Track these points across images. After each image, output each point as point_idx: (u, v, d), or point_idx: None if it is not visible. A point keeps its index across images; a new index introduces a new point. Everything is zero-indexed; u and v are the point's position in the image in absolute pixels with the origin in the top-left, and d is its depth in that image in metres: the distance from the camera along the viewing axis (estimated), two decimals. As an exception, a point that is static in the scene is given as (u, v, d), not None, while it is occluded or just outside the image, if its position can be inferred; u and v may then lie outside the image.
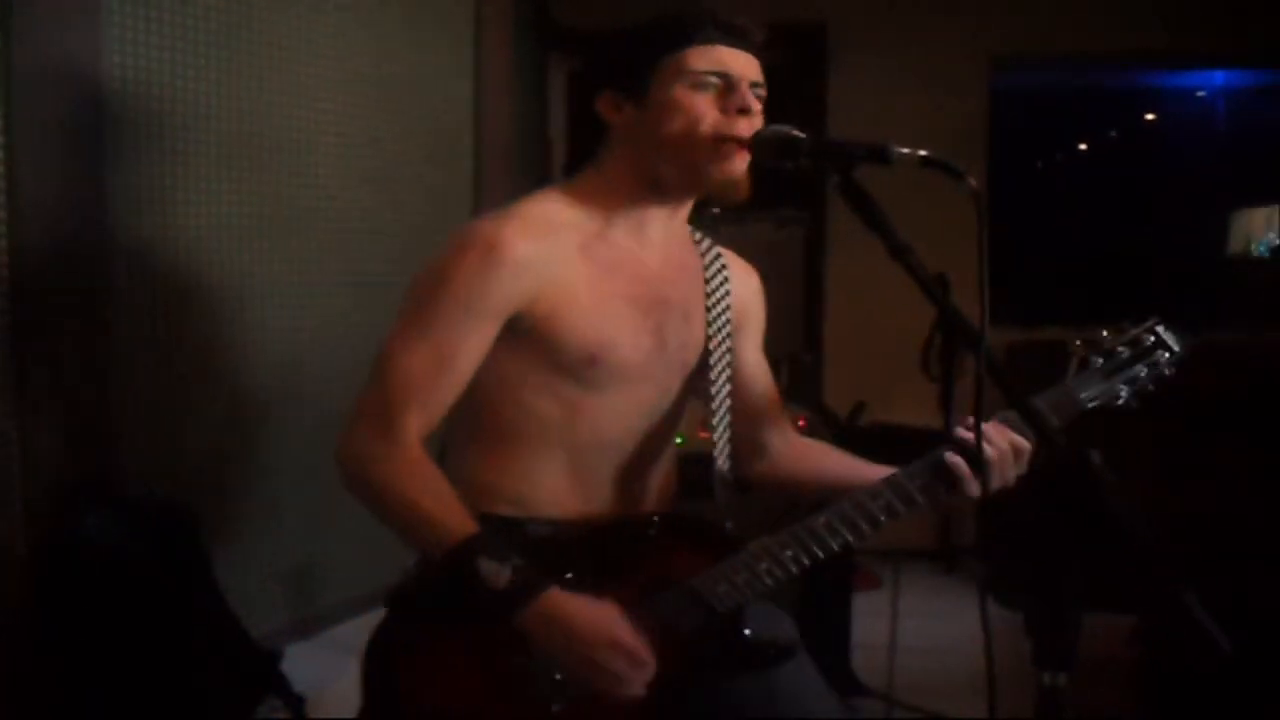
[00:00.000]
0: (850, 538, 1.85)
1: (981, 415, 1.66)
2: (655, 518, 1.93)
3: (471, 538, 1.75)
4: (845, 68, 5.39)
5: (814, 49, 5.31)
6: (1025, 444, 1.87)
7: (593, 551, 1.87)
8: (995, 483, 1.84)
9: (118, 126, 2.79)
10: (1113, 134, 7.60)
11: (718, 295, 2.03)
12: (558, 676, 1.78)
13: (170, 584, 2.64)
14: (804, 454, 2.17)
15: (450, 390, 1.83)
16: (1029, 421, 1.63)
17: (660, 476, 2.03)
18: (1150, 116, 7.44)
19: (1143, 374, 1.95)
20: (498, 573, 1.72)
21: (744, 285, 2.11)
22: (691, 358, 1.99)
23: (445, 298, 1.81)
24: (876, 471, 1.95)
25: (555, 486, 1.92)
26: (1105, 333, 1.97)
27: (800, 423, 4.49)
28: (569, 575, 1.81)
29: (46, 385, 2.58)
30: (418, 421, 1.81)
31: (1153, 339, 1.97)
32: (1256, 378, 4.25)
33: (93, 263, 2.72)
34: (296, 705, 2.81)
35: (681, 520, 1.93)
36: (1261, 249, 6.61)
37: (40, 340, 2.55)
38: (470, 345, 1.82)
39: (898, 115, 5.15)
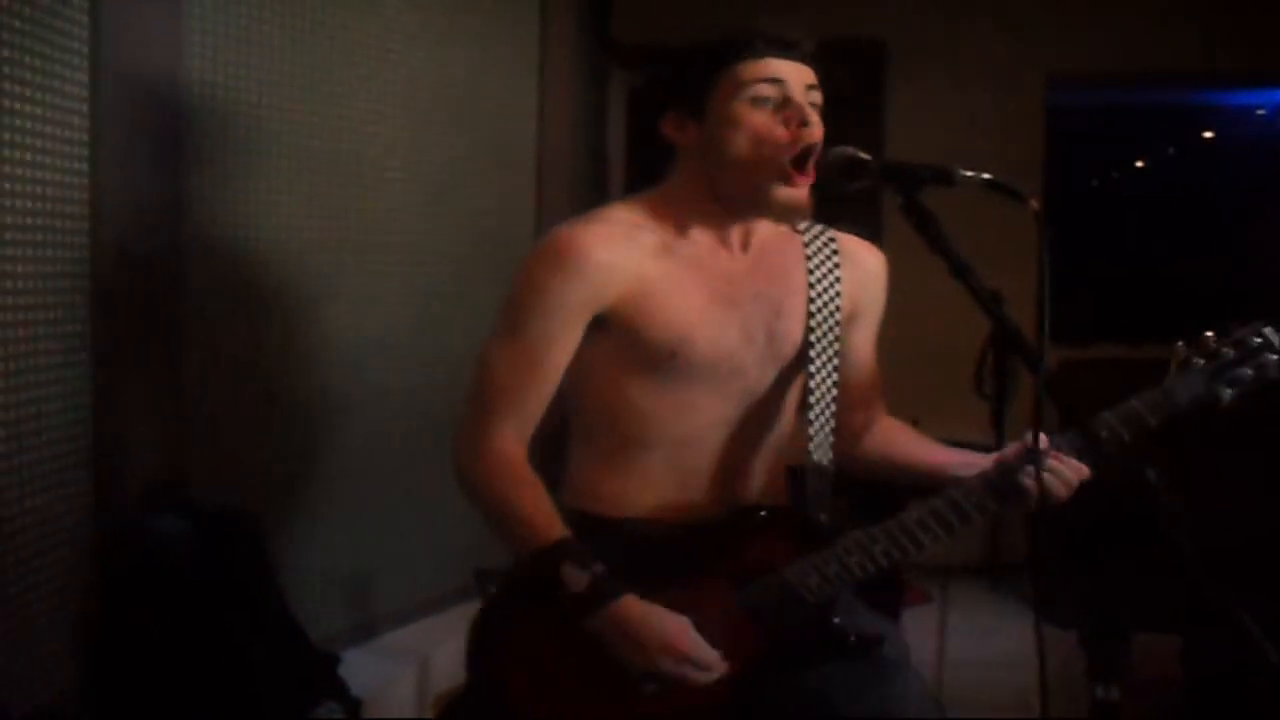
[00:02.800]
0: (942, 534, 1.86)
1: (1039, 434, 1.67)
2: (752, 512, 1.96)
3: (557, 543, 1.82)
4: (904, 85, 5.38)
5: (874, 66, 5.31)
6: (1083, 469, 1.87)
7: (686, 548, 1.91)
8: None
9: (197, 135, 2.85)
10: (1170, 151, 7.54)
11: (823, 287, 2.03)
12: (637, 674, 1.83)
13: (233, 587, 2.67)
14: (894, 438, 2.17)
15: (542, 391, 1.91)
16: (1089, 441, 1.64)
17: (764, 468, 2.05)
18: (1208, 135, 7.38)
19: (1248, 375, 1.92)
20: (577, 578, 1.79)
21: (860, 271, 2.10)
22: (789, 351, 2.00)
23: (531, 303, 1.89)
24: (963, 458, 1.98)
25: (656, 484, 1.97)
26: (1210, 334, 1.94)
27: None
28: (656, 577, 1.85)
29: (124, 389, 2.63)
30: (513, 423, 1.90)
31: (1259, 340, 1.93)
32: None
33: (170, 269, 2.78)
34: (353, 708, 2.85)
35: (776, 513, 1.97)
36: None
37: (118, 345, 2.60)
38: (558, 347, 1.90)
39: (955, 132, 5.13)
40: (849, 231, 2.13)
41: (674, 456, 1.97)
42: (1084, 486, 1.87)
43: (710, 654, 1.81)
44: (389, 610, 3.57)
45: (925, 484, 1.96)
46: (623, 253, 1.90)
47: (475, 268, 3.82)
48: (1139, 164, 7.60)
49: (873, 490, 2.13)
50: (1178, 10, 5.28)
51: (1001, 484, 1.86)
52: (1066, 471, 1.85)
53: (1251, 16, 5.23)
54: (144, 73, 2.66)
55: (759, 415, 2.02)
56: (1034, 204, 1.56)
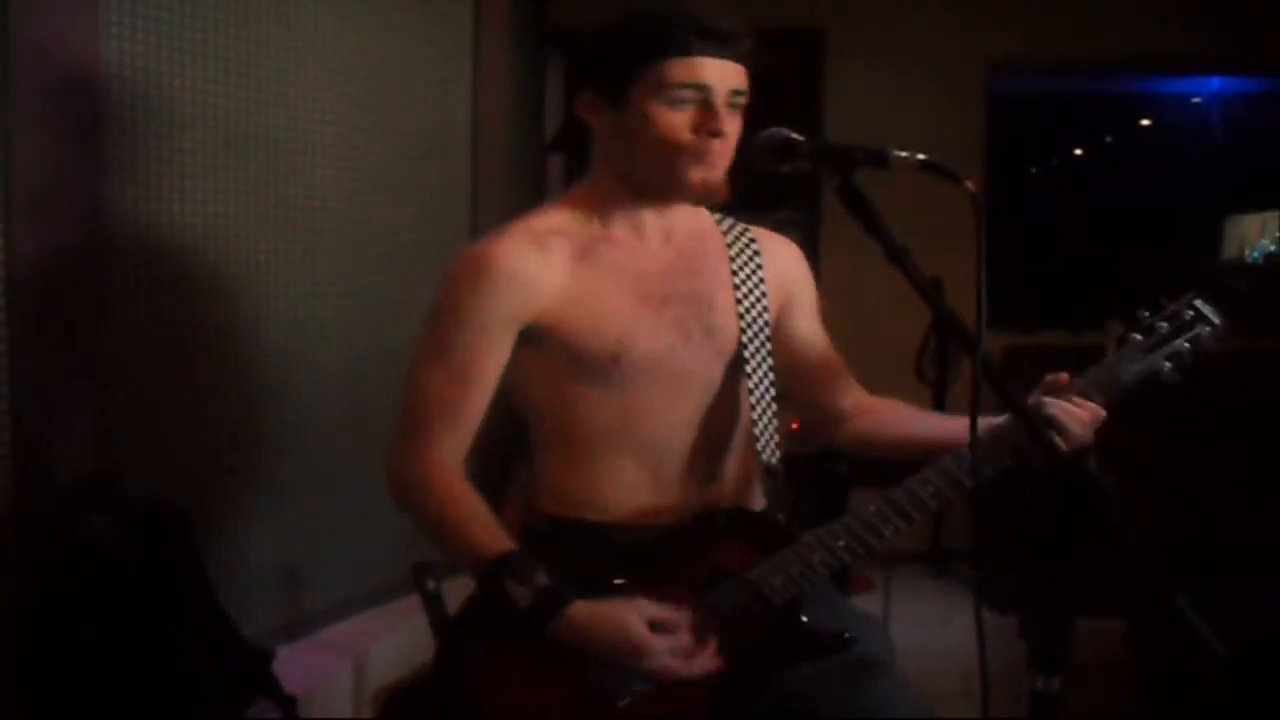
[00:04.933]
0: (902, 525, 1.85)
1: (977, 419, 1.65)
2: (712, 515, 1.94)
3: (498, 558, 1.80)
4: (843, 72, 5.39)
5: (812, 53, 5.31)
6: (1100, 412, 1.87)
7: (651, 553, 1.90)
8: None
9: (116, 118, 2.78)
10: (1108, 139, 7.61)
11: (747, 277, 2.03)
12: (617, 673, 1.81)
13: (163, 584, 2.63)
14: (878, 416, 2.15)
15: (475, 405, 1.90)
16: (1026, 427, 1.63)
17: (735, 467, 2.04)
18: (1146, 122, 7.46)
19: (1184, 348, 1.94)
20: (521, 593, 1.76)
21: (781, 259, 2.11)
22: (729, 346, 2.00)
23: (454, 321, 1.89)
24: (953, 426, 1.96)
25: (626, 487, 1.96)
26: (1143, 311, 1.96)
27: (794, 425, 4.50)
28: (624, 584, 1.84)
29: (44, 380, 2.57)
30: (447, 440, 1.89)
31: (1192, 313, 1.96)
32: (1250, 384, 4.26)
33: (89, 259, 2.71)
34: (288, 706, 2.81)
35: (736, 514, 1.96)
36: (1255, 255, 6.62)
37: (36, 339, 2.54)
38: (485, 360, 1.89)
39: (895, 120, 5.16)
40: (789, 215, 2.12)
41: (640, 460, 1.96)
42: (1025, 473, 1.86)
43: (681, 639, 1.79)
44: (324, 605, 3.52)
45: (926, 459, 1.91)
46: (541, 264, 1.88)
47: (409, 254, 3.78)
48: (1078, 151, 7.66)
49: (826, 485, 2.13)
50: (1116, -2, 5.32)
51: (1010, 440, 1.84)
52: (1084, 414, 1.85)
53: (1188, 5, 5.28)
54: (59, 52, 2.59)
55: (718, 414, 2.01)
56: (970, 185, 1.53)
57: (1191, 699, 2.87)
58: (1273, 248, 6.54)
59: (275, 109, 3.26)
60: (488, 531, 1.83)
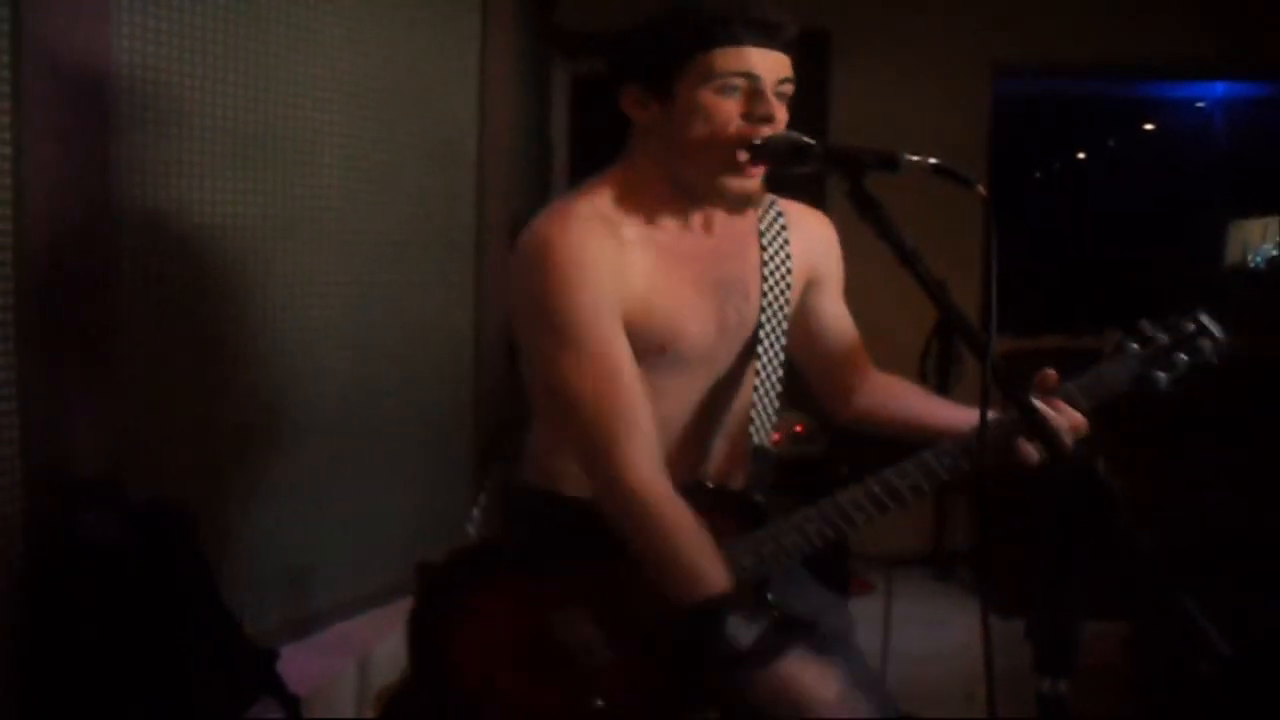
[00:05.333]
0: (875, 513, 1.85)
1: (986, 419, 1.65)
2: (694, 492, 1.90)
3: (725, 594, 1.75)
4: (848, 74, 5.39)
5: (817, 55, 5.31)
6: (1076, 415, 1.88)
7: None
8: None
9: (127, 118, 2.78)
10: (1111, 143, 7.61)
11: (775, 265, 2.02)
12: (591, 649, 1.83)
13: (167, 583, 2.63)
14: (888, 395, 2.16)
15: (636, 390, 1.82)
16: (1033, 427, 1.64)
17: (725, 449, 2.03)
18: (1149, 126, 7.46)
19: (1182, 360, 1.94)
20: (744, 632, 1.73)
21: (810, 237, 2.09)
22: (749, 331, 2.00)
23: (574, 307, 1.81)
24: (956, 414, 1.98)
25: None
26: (1145, 321, 1.97)
27: (798, 428, 4.50)
28: (602, 556, 1.83)
29: (48, 383, 2.57)
30: (638, 443, 1.80)
31: (1194, 326, 1.97)
32: (1254, 388, 4.26)
33: (97, 258, 2.72)
34: (291, 706, 2.81)
35: (716, 492, 1.97)
36: (1258, 260, 6.63)
37: (44, 338, 2.55)
38: (620, 346, 1.83)
39: (900, 122, 5.15)
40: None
41: None
42: (1027, 475, 1.87)
43: None
44: (327, 605, 3.52)
45: (926, 441, 1.91)
46: (611, 248, 1.85)
47: (415, 255, 3.78)
48: (1081, 155, 7.66)
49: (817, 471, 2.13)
50: (1120, 2, 5.32)
51: (954, 451, 1.86)
52: (1063, 421, 1.86)
53: (1192, 10, 5.28)
54: (71, 52, 2.59)
55: (721, 395, 2.01)
56: (981, 189, 1.54)
57: (1191, 702, 2.87)
58: (1275, 252, 6.54)
59: (283, 111, 3.26)
60: (714, 564, 1.77)
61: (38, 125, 2.48)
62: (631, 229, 1.90)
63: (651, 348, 1.88)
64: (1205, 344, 1.96)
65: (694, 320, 1.91)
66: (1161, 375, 1.94)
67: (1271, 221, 6.59)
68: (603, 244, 1.84)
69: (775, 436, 2.05)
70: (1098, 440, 1.88)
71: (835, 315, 2.16)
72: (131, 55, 2.78)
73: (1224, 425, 4.19)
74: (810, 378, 2.19)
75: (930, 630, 4.27)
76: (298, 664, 3.01)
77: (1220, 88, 6.90)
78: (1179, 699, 3.06)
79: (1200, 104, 7.24)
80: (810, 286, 2.10)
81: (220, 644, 2.77)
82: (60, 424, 2.61)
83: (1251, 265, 6.65)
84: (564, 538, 1.88)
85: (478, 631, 1.87)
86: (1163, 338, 1.95)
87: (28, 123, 2.46)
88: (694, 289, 1.92)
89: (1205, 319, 1.97)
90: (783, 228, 2.05)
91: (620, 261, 1.85)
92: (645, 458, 1.79)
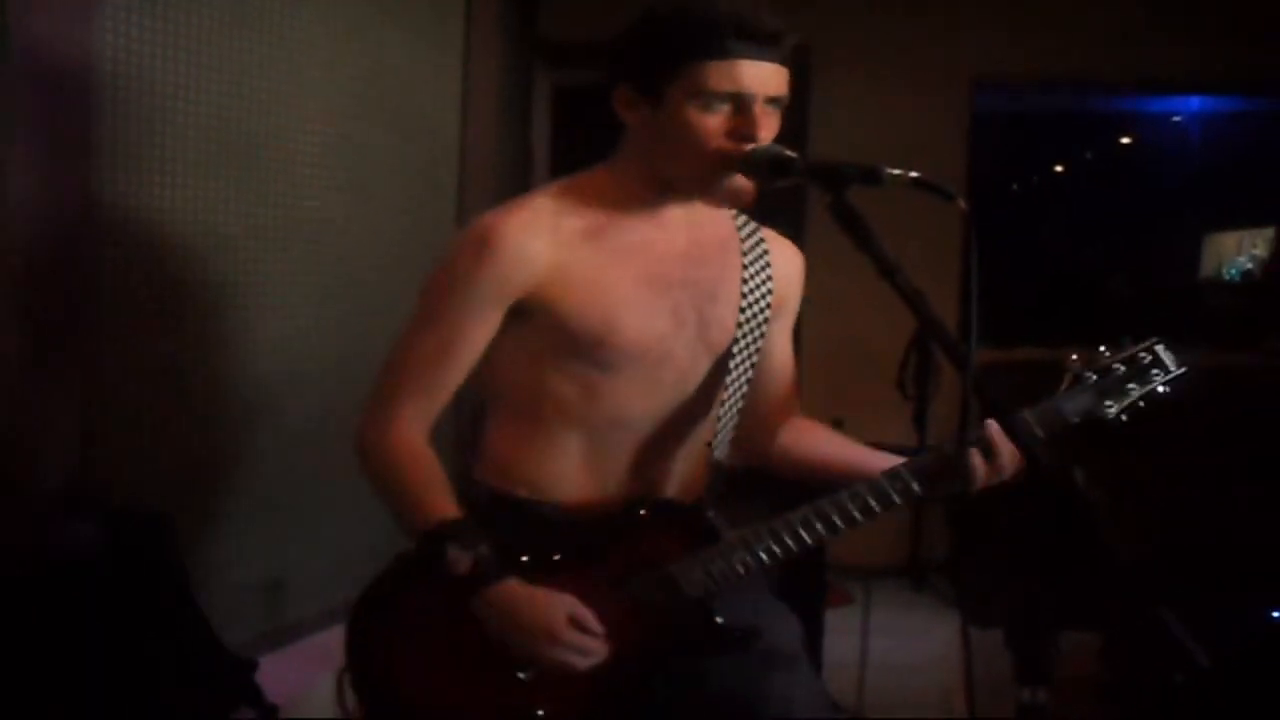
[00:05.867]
0: (824, 533, 1.87)
1: (967, 431, 1.67)
2: (645, 504, 1.95)
3: (444, 522, 1.83)
4: (828, 88, 5.41)
5: (797, 69, 5.32)
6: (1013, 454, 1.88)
7: (584, 535, 1.92)
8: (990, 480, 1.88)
9: (109, 124, 2.77)
10: (1088, 157, 7.66)
11: (754, 276, 2.02)
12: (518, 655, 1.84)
13: (144, 592, 2.62)
14: (809, 436, 2.16)
15: (451, 377, 1.91)
16: (1015, 437, 1.65)
17: (687, 462, 2.03)
18: (1126, 140, 7.51)
19: (1134, 391, 1.96)
20: (460, 559, 1.79)
21: (788, 265, 2.10)
22: (721, 339, 1.99)
23: (448, 290, 1.89)
24: (881, 461, 1.98)
25: (572, 469, 1.96)
26: (1104, 349, 1.98)
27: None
28: (547, 562, 1.87)
29: (31, 386, 2.56)
30: (418, 406, 1.92)
31: (1150, 358, 1.97)
32: (1226, 400, 4.29)
33: (75, 264, 2.70)
34: (269, 715, 2.80)
35: (668, 506, 1.97)
36: (1233, 272, 6.67)
37: (25, 340, 2.53)
38: (472, 333, 1.89)
39: (879, 136, 5.18)
40: (773, 229, 2.12)
41: (595, 442, 1.96)
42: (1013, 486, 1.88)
43: (589, 641, 1.82)
44: (306, 614, 3.51)
45: (841, 484, 1.93)
46: (543, 240, 1.87)
47: (397, 264, 3.77)
48: (1059, 168, 7.71)
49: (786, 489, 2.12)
50: (1099, 17, 5.36)
51: (908, 474, 1.88)
52: (1005, 455, 1.88)
53: (1171, 25, 5.32)
54: (54, 54, 2.58)
55: (688, 406, 2.00)
56: (961, 203, 1.54)
57: (1169, 711, 2.89)
58: (1249, 265, 6.58)
59: (266, 117, 3.26)
60: (440, 497, 1.87)
61: (19, 127, 2.47)
62: (586, 223, 1.90)
63: (590, 339, 1.88)
64: (1157, 377, 1.97)
65: (634, 315, 1.89)
66: (1111, 408, 1.95)
67: (1247, 235, 6.63)
68: (532, 233, 1.86)
69: None
70: (1074, 450, 1.90)
71: (786, 349, 2.16)
72: (115, 59, 2.77)
73: (1197, 435, 4.22)
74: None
75: (908, 641, 4.28)
76: (276, 674, 2.99)
77: (1195, 103, 6.95)
78: (1151, 710, 3.08)
79: (1176, 119, 7.29)
80: (775, 314, 2.08)
81: (198, 654, 2.76)
82: (34, 431, 2.59)
83: (1226, 278, 6.70)
84: (511, 542, 1.87)
85: (415, 640, 1.89)
86: (1119, 369, 1.96)
87: (9, 124, 2.45)
88: (638, 282, 1.91)
89: (1161, 351, 1.98)
90: (765, 253, 2.05)
91: (552, 254, 1.86)
92: (415, 416, 1.91)
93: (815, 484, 1.99)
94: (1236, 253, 6.68)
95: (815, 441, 2.15)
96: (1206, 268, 6.84)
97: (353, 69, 3.57)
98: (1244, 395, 4.40)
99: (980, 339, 1.56)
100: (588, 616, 1.83)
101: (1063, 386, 1.95)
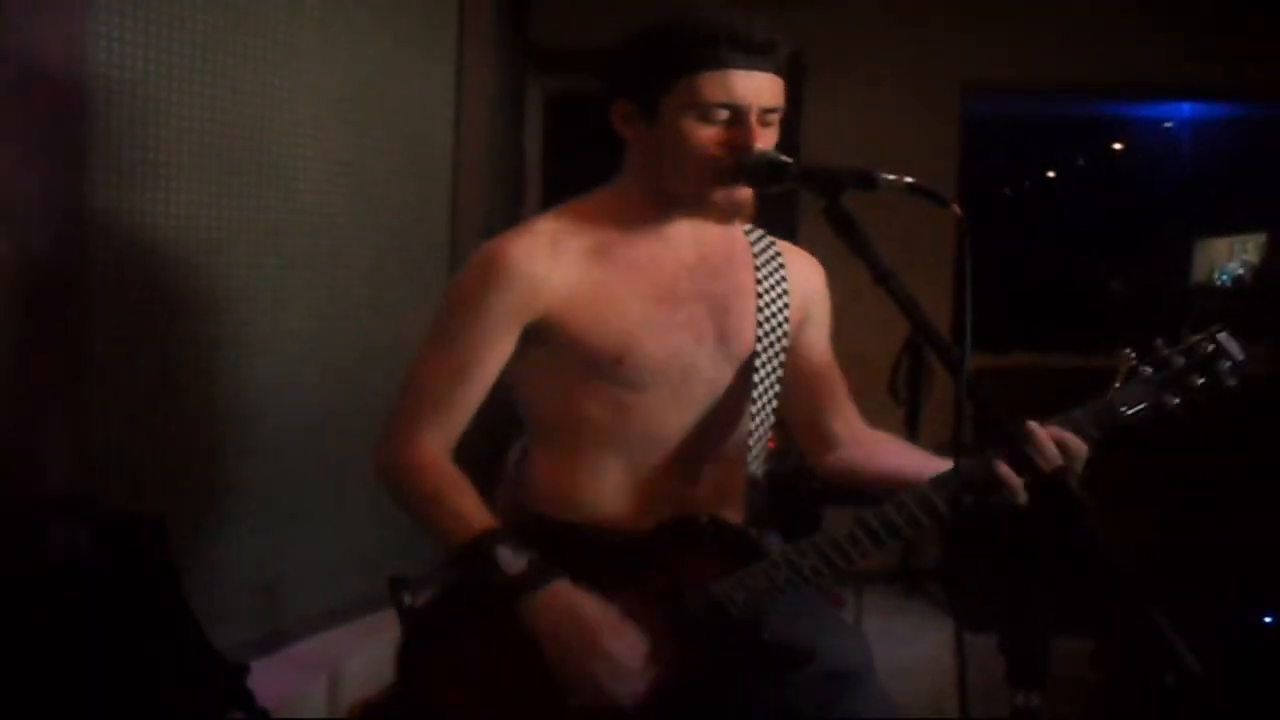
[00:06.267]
0: (872, 548, 1.83)
1: (961, 437, 1.66)
2: (686, 523, 1.92)
3: (493, 529, 1.83)
4: (820, 94, 5.42)
5: (790, 76, 5.33)
6: (1082, 446, 1.80)
7: (622, 556, 1.91)
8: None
9: (101, 131, 2.77)
10: (1080, 162, 7.67)
11: (773, 294, 2.01)
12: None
13: (137, 595, 2.61)
14: (872, 448, 2.13)
15: (469, 399, 1.92)
16: (1005, 440, 1.64)
17: (719, 475, 2.01)
18: (1118, 146, 7.52)
19: (1198, 383, 1.85)
20: (513, 561, 1.80)
21: (806, 276, 2.10)
22: (743, 351, 1.98)
23: (460, 314, 1.90)
24: (938, 466, 1.91)
25: (615, 490, 1.96)
26: (1159, 341, 1.87)
27: (769, 444, 4.50)
28: (602, 582, 1.85)
29: (23, 390, 2.55)
30: (438, 429, 1.92)
31: (1212, 347, 1.86)
32: (1217, 405, 4.29)
33: (68, 268, 2.70)
34: (261, 720, 2.80)
35: (708, 525, 1.94)
36: (1224, 278, 6.67)
37: (15, 348, 2.53)
38: (485, 356, 1.90)
39: (872, 141, 5.19)
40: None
41: (627, 460, 1.96)
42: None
43: (626, 658, 1.80)
44: (298, 619, 3.50)
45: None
46: (549, 263, 1.88)
47: (389, 270, 3.77)
48: (1051, 174, 7.72)
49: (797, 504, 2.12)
50: (1089, 23, 5.37)
51: (950, 482, 1.81)
52: (1053, 449, 1.77)
53: (1161, 31, 5.33)
54: (47, 60, 2.58)
55: (718, 420, 2.00)
56: (956, 208, 1.54)
57: (1157, 716, 2.89)
58: (1241, 270, 6.59)
59: (259, 123, 3.25)
60: (478, 507, 1.87)
61: (10, 132, 2.47)
62: (592, 243, 1.91)
63: (607, 357, 1.89)
64: (1224, 365, 1.86)
65: (648, 330, 1.90)
66: (1174, 401, 1.85)
67: (1238, 240, 6.64)
68: (538, 257, 1.88)
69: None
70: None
71: (823, 358, 2.15)
72: (108, 64, 2.76)
73: (1188, 440, 4.22)
74: (794, 422, 2.18)
75: (900, 646, 4.27)
76: (268, 678, 2.98)
77: (1187, 108, 6.97)
78: (1149, 712, 3.08)
79: (1168, 124, 7.30)
80: (802, 325, 2.09)
81: (190, 658, 2.75)
82: (31, 435, 2.59)
83: (1217, 283, 6.70)
84: (565, 564, 1.86)
85: (465, 670, 1.87)
86: (1179, 360, 1.86)
87: (2, 136, 2.45)
88: (651, 299, 1.91)
89: (1224, 339, 1.87)
90: (781, 265, 2.05)
91: (558, 276, 1.88)
92: (436, 439, 1.92)
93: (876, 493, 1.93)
94: (1228, 258, 6.68)
95: (885, 454, 2.11)
96: (1198, 273, 6.84)
97: (345, 75, 3.56)
98: (1235, 400, 4.40)
99: (972, 345, 1.56)
100: (631, 632, 1.81)
101: (1117, 383, 1.86)
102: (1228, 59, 5.37)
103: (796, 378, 2.09)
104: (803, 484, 4.36)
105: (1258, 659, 3.27)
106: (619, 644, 1.79)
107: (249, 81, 3.20)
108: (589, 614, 1.80)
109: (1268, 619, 3.44)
